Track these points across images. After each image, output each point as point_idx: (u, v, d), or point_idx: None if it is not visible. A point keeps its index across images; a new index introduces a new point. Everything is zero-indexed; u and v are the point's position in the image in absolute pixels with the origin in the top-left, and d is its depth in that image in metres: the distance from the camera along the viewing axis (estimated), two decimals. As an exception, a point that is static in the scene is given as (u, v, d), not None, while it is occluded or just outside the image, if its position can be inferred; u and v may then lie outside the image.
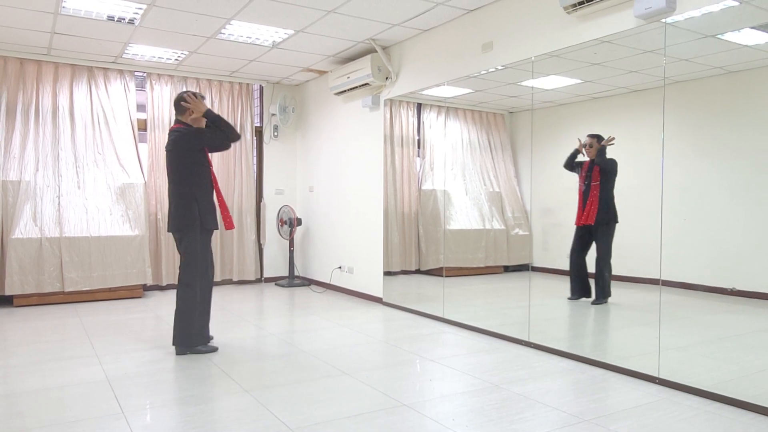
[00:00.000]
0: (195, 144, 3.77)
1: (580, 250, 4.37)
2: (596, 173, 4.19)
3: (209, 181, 3.84)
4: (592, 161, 4.25)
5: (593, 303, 4.31)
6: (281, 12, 4.62)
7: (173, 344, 3.79)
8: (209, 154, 3.93)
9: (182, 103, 3.79)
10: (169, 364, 3.61)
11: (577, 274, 4.45)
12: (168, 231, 3.84)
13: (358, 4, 4.46)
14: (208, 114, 3.80)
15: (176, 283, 6.80)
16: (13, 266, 5.45)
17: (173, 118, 6.58)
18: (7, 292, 5.46)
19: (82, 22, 4.86)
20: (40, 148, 5.86)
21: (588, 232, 4.29)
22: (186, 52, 5.82)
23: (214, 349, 3.88)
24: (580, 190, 4.31)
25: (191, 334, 3.78)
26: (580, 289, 4.43)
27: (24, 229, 5.58)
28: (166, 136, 6.47)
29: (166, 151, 3.78)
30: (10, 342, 4.20)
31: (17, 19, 4.75)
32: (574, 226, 4.36)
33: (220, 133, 3.81)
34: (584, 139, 4.26)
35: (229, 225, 4.01)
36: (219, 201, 3.93)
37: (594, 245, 4.28)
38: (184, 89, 6.64)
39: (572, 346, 3.78)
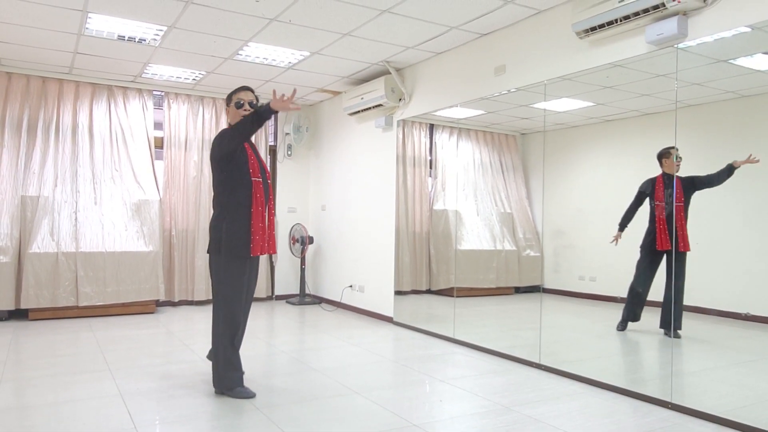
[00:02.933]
0: (215, 153, 3.22)
1: (651, 279, 3.97)
2: (679, 190, 3.75)
3: (247, 197, 3.23)
4: (669, 177, 3.82)
5: (674, 336, 3.72)
6: (298, 35, 4.72)
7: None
8: (260, 163, 3.34)
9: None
10: (181, 379, 3.64)
11: (642, 304, 4.07)
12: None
13: (373, 28, 4.54)
14: (262, 113, 3.09)
15: (189, 299, 6.83)
16: (30, 280, 5.53)
17: (190, 135, 6.75)
18: (23, 306, 5.54)
19: (104, 43, 4.99)
20: (59, 164, 5.98)
21: (661, 258, 3.85)
22: (204, 72, 5.94)
23: (251, 395, 3.30)
24: (659, 210, 3.91)
25: (217, 371, 3.34)
26: (632, 318, 4.15)
27: (41, 243, 5.67)
28: (183, 154, 6.67)
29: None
30: (24, 355, 4.25)
31: (42, 39, 4.89)
32: (644, 250, 3.98)
33: (238, 130, 3.14)
34: (674, 152, 3.72)
35: (254, 249, 3.24)
36: (255, 216, 3.24)
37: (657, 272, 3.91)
38: (201, 108, 6.78)
39: (583, 369, 3.75)
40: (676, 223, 3.62)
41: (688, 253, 3.65)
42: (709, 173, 3.65)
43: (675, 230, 3.59)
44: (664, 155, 3.90)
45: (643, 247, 4.01)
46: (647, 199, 4.05)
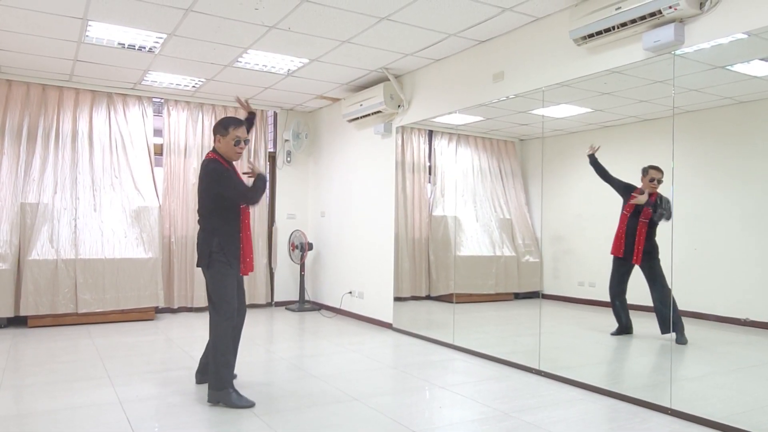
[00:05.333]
0: (219, 189, 3.39)
1: (623, 283, 4.13)
2: (645, 211, 3.92)
3: (236, 216, 3.44)
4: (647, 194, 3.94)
5: (678, 342, 3.64)
6: (297, 42, 4.74)
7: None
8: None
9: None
10: (180, 386, 3.63)
11: (620, 310, 4.18)
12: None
13: (372, 35, 4.56)
14: (260, 180, 3.47)
15: (188, 305, 6.81)
16: (29, 287, 5.52)
17: (189, 142, 6.76)
18: (22, 313, 5.53)
19: (103, 51, 5.01)
20: (58, 171, 5.99)
21: (624, 264, 4.05)
22: (203, 80, 5.96)
23: (250, 404, 3.26)
24: (623, 218, 4.03)
25: (215, 370, 3.31)
26: (626, 326, 4.20)
27: (41, 250, 5.67)
28: (182, 161, 6.67)
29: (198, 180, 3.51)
30: (23, 362, 4.24)
31: (42, 47, 4.91)
32: (612, 256, 4.11)
33: (249, 195, 3.44)
34: (653, 173, 3.83)
35: (245, 269, 3.47)
36: (244, 240, 3.47)
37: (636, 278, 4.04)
38: (201, 115, 6.80)
39: (583, 375, 3.74)
40: (636, 237, 3.83)
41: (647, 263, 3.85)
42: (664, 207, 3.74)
43: (635, 242, 3.75)
44: (643, 172, 4.02)
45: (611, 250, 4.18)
46: (622, 198, 4.16)
